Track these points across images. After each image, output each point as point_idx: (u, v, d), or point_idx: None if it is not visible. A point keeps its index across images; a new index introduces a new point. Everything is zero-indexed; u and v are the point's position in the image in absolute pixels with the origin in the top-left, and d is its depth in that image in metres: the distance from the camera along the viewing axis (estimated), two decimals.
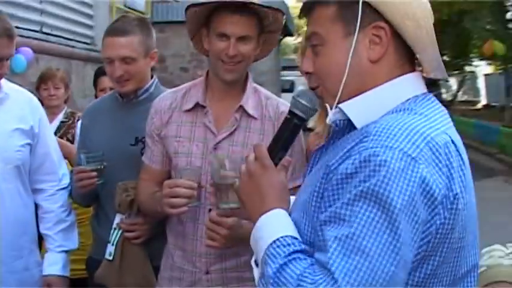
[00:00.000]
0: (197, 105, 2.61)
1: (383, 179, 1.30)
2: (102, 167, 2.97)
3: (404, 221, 1.29)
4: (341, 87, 1.52)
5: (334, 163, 1.42)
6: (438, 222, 1.36)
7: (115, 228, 2.90)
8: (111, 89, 4.40)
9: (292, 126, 1.67)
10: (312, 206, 1.47)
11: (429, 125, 1.42)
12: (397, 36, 1.50)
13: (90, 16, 12.44)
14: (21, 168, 2.99)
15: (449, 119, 1.55)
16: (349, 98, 1.54)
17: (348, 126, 1.56)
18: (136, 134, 3.02)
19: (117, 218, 2.90)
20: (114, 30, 3.01)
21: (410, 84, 1.54)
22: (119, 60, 2.95)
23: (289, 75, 25.53)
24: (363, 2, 1.49)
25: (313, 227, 1.46)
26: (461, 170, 1.43)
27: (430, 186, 1.33)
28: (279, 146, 1.66)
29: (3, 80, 2.96)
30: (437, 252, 1.39)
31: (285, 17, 2.62)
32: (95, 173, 2.94)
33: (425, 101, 1.53)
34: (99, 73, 4.63)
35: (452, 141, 1.45)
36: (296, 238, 1.48)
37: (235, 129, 2.57)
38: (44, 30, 10.06)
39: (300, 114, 1.65)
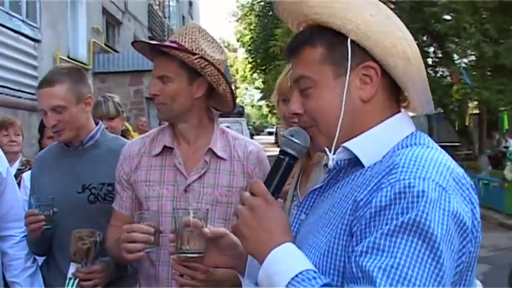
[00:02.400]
0: (165, 149, 2.62)
1: (423, 209, 1.29)
2: (51, 213, 2.89)
3: (445, 251, 1.29)
4: (338, 129, 1.52)
5: (362, 198, 1.39)
6: (468, 251, 1.37)
7: (70, 278, 2.77)
8: None
9: (285, 165, 1.64)
10: (339, 245, 1.43)
11: (446, 157, 1.44)
12: (386, 75, 1.50)
13: (34, 67, 12.38)
14: None
15: None
16: (344, 139, 1.52)
17: (349, 165, 1.55)
18: (83, 182, 3.02)
19: (72, 268, 2.78)
20: (43, 82, 3.00)
21: (405, 122, 1.55)
22: (50, 110, 2.94)
23: None
24: (352, 42, 1.48)
25: (338, 268, 1.43)
26: (476, 199, 1.43)
27: (462, 214, 1.33)
28: (273, 185, 1.63)
29: None
30: (462, 281, 1.41)
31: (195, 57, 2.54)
32: (42, 217, 2.86)
33: (423, 136, 1.54)
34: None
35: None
36: (316, 271, 1.43)
37: (205, 172, 2.57)
38: None
39: (293, 153, 1.63)
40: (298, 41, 1.60)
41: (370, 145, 1.50)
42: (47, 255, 3.21)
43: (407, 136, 1.51)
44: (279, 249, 1.48)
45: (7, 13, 11.44)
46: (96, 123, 3.18)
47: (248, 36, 34.33)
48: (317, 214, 1.58)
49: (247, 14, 34.73)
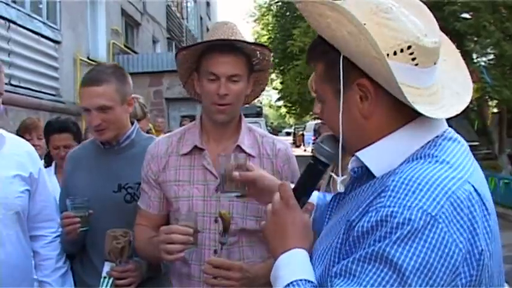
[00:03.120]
0: (194, 148, 2.60)
1: (396, 240, 1.25)
2: (87, 214, 2.93)
3: (417, 284, 1.24)
4: (339, 149, 1.55)
5: (354, 219, 1.39)
6: (464, 281, 1.29)
7: (105, 277, 2.80)
8: (64, 147, 4.46)
9: (316, 171, 1.68)
10: (332, 261, 1.44)
11: (451, 175, 1.34)
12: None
13: (55, 68, 12.50)
14: (21, 214, 2.97)
15: (471, 158, 1.48)
16: (359, 149, 1.52)
17: (366, 172, 1.53)
18: (119, 181, 3.02)
19: (107, 267, 2.81)
20: (89, 80, 2.97)
21: (426, 127, 1.47)
22: (96, 109, 2.93)
23: None
24: (346, 61, 1.44)
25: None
26: (486, 220, 1.35)
27: (449, 247, 1.25)
28: (303, 191, 1.68)
29: None
30: None
31: (272, 54, 2.64)
32: (78, 219, 2.90)
33: (446, 142, 1.46)
34: (51, 130, 4.60)
35: (475, 190, 1.36)
36: (311, 281, 1.46)
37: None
38: (13, 82, 10.13)
39: (323, 159, 1.66)
40: (309, 52, 1.62)
41: (381, 155, 1.48)
42: (82, 253, 3.23)
43: (429, 142, 1.46)
44: (286, 255, 1.55)
45: (28, 15, 11.58)
46: (132, 123, 3.19)
47: (266, 37, 34.14)
48: (334, 220, 1.60)
49: (265, 15, 34.53)
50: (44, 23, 12.29)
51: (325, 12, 1.43)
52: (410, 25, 1.42)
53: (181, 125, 10.92)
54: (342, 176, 1.61)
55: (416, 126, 1.47)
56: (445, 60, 1.57)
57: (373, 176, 1.49)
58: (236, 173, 2.15)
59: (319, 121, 2.75)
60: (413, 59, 1.42)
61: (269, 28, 33.77)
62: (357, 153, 1.51)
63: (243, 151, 2.57)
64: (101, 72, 3.01)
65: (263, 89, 2.76)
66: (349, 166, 1.57)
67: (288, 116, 54.47)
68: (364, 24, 1.38)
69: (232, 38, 2.48)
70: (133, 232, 2.76)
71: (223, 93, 2.46)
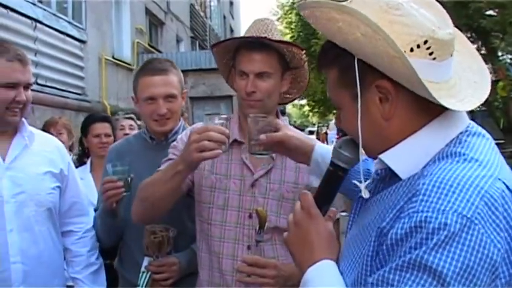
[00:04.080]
0: (233, 142, 2.56)
1: (433, 246, 1.20)
2: (129, 178, 2.92)
3: None
4: (360, 154, 1.52)
5: (385, 226, 1.33)
6: (503, 280, 1.26)
7: (143, 272, 2.82)
8: (105, 135, 4.72)
9: (336, 178, 1.64)
10: (364, 270, 1.39)
11: (482, 173, 1.30)
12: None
13: (81, 67, 12.60)
14: (53, 210, 3.00)
15: (498, 153, 1.43)
16: (381, 152, 1.48)
17: (389, 174, 1.50)
18: None
19: (145, 261, 2.82)
20: (153, 70, 2.99)
21: (449, 124, 1.43)
22: (163, 98, 2.95)
23: None
24: (362, 63, 1.40)
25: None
26: None
27: (488, 248, 1.21)
28: (324, 198, 1.63)
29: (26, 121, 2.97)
30: None
31: (304, 52, 2.58)
32: (121, 183, 2.89)
33: (471, 138, 1.42)
34: (92, 120, 4.89)
35: (507, 187, 1.32)
36: None
37: (271, 168, 2.53)
38: (39, 81, 10.25)
39: (342, 164, 1.62)
40: (320, 58, 1.57)
41: (405, 156, 1.43)
42: (122, 250, 3.24)
43: (453, 139, 1.42)
44: (314, 267, 1.50)
45: (54, 15, 11.72)
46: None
47: (289, 36, 33.98)
48: (360, 225, 1.55)
49: (288, 13, 34.40)
50: (69, 23, 12.42)
51: (334, 16, 1.39)
52: (423, 19, 1.38)
53: None
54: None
55: (440, 124, 1.42)
56: (458, 51, 1.52)
57: (397, 177, 1.45)
58: (263, 136, 2.09)
59: None
60: (430, 53, 1.38)
61: (292, 27, 33.66)
62: (381, 156, 1.48)
63: None
64: (162, 63, 3.06)
65: (304, 86, 2.73)
66: (375, 167, 1.55)
67: (311, 114, 54.37)
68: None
69: (264, 35, 2.46)
70: (173, 228, 2.74)
71: (249, 90, 2.46)
